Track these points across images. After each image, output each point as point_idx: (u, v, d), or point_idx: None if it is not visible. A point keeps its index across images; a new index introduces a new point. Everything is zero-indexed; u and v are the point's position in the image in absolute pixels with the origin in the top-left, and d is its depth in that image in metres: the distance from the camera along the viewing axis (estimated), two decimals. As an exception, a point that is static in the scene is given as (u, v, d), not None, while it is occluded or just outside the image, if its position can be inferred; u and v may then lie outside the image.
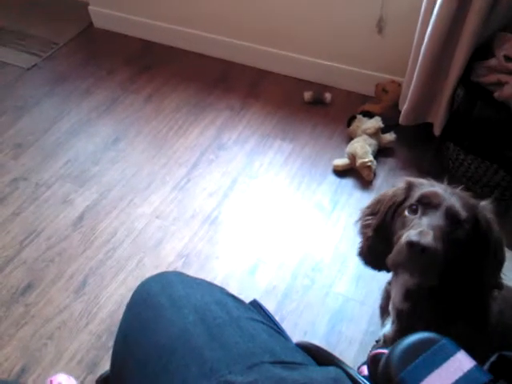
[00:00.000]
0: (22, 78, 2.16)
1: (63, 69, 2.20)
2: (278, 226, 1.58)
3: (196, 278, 0.73)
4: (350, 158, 1.71)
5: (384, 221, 0.85)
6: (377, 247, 0.86)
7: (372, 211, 0.90)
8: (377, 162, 1.71)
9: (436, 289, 0.79)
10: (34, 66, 2.22)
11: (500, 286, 0.81)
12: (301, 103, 1.99)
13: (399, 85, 1.83)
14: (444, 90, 1.62)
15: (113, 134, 1.90)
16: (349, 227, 1.55)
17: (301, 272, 1.45)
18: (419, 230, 0.73)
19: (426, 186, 0.82)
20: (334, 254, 1.49)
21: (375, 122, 1.75)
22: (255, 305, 0.71)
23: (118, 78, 2.14)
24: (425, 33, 1.54)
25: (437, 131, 1.69)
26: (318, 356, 0.60)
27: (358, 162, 1.66)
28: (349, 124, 1.83)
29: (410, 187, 0.84)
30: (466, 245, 0.77)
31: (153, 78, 2.13)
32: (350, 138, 1.79)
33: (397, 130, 1.78)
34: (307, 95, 1.98)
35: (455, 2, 1.40)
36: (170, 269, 1.46)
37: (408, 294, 0.85)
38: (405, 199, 0.83)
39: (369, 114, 1.82)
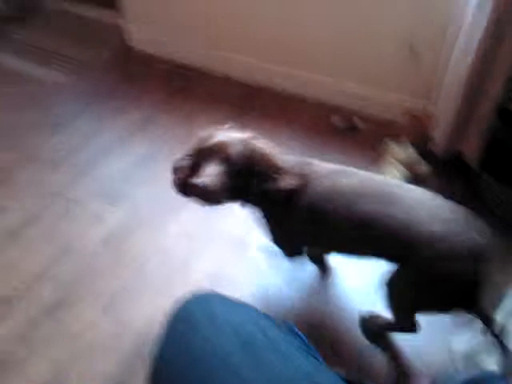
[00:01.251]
0: (59, 96, 2.23)
1: (99, 87, 2.27)
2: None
3: (234, 299, 0.73)
4: (379, 185, 1.70)
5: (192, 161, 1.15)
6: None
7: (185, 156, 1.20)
8: (407, 189, 1.69)
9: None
10: (70, 84, 2.29)
11: (275, 187, 1.11)
12: (328, 127, 1.99)
13: (430, 111, 1.82)
14: (478, 118, 1.60)
15: (145, 153, 1.93)
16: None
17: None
18: (203, 174, 1.05)
19: (216, 137, 1.12)
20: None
21: (405, 149, 1.75)
22: (290, 328, 0.71)
23: (152, 98, 2.18)
24: (458, 59, 1.54)
25: (470, 160, 1.67)
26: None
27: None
28: (377, 150, 1.82)
29: (206, 138, 1.14)
30: (244, 170, 1.09)
31: (186, 100, 2.17)
32: (379, 164, 1.78)
33: (428, 157, 1.77)
34: (335, 119, 1.98)
35: (492, 28, 1.40)
36: (198, 288, 1.46)
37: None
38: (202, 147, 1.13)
39: (398, 141, 1.81)
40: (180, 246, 1.59)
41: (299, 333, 0.72)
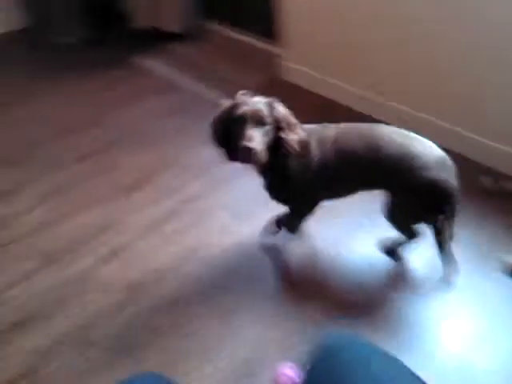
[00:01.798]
0: (210, 111, 2.38)
1: (248, 110, 2.38)
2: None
3: (379, 348, 0.69)
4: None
5: (222, 128, 1.32)
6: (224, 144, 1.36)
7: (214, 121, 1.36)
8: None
9: (270, 165, 1.32)
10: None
11: (293, 150, 1.30)
12: (476, 188, 1.85)
13: None
14: None
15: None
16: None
17: None
18: (250, 138, 1.21)
19: (245, 104, 1.26)
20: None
21: None
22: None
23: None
24: None
25: None
26: None
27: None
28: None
29: (235, 106, 1.28)
30: (274, 131, 1.27)
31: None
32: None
33: None
34: (486, 181, 1.84)
35: None
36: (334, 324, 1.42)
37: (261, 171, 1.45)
38: (233, 114, 1.27)
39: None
40: (300, 268, 1.59)
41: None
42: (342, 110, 2.37)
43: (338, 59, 2.34)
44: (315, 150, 1.35)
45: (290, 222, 1.59)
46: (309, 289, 1.53)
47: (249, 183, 1.95)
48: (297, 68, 2.53)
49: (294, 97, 2.48)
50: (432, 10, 1.90)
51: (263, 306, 1.47)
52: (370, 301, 1.48)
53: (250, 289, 1.53)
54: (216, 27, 3.16)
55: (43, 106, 2.58)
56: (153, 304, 1.49)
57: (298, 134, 1.31)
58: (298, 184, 1.39)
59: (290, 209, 1.53)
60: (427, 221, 1.41)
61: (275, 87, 2.57)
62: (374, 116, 2.27)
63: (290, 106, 2.34)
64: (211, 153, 2.15)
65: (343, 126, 1.39)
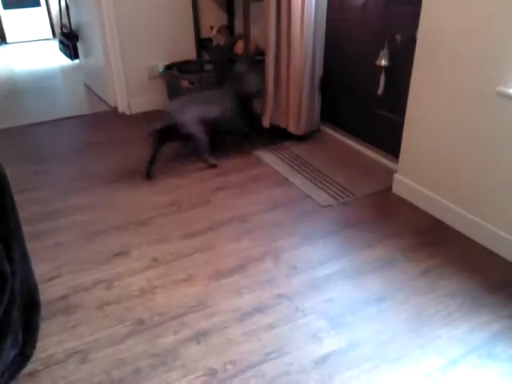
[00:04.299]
0: (317, 213, 2.42)
1: (353, 217, 2.38)
2: None
3: None
4: None
5: None
6: None
7: None
8: None
9: None
10: (329, 205, 2.47)
11: None
12: None
13: None
14: None
15: (378, 292, 1.88)
16: None
17: None
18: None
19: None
20: None
21: None
22: None
23: (401, 242, 2.17)
24: None
25: None
26: None
27: None
28: None
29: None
30: None
31: (434, 255, 2.08)
32: None
33: None
34: None
35: None
36: None
37: None
38: None
39: None
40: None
41: None
42: (452, 232, 2.26)
43: (450, 181, 2.27)
44: None
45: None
46: None
47: (346, 291, 1.89)
48: (409, 184, 2.50)
49: (402, 210, 2.45)
50: None
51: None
52: None
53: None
54: (334, 133, 3.28)
55: (166, 180, 2.81)
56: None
57: None
58: None
59: None
60: None
61: (384, 199, 2.55)
62: (492, 248, 2.13)
63: (396, 218, 2.32)
64: (311, 253, 2.16)
65: None
